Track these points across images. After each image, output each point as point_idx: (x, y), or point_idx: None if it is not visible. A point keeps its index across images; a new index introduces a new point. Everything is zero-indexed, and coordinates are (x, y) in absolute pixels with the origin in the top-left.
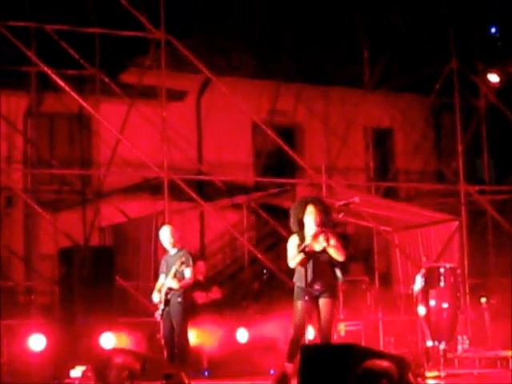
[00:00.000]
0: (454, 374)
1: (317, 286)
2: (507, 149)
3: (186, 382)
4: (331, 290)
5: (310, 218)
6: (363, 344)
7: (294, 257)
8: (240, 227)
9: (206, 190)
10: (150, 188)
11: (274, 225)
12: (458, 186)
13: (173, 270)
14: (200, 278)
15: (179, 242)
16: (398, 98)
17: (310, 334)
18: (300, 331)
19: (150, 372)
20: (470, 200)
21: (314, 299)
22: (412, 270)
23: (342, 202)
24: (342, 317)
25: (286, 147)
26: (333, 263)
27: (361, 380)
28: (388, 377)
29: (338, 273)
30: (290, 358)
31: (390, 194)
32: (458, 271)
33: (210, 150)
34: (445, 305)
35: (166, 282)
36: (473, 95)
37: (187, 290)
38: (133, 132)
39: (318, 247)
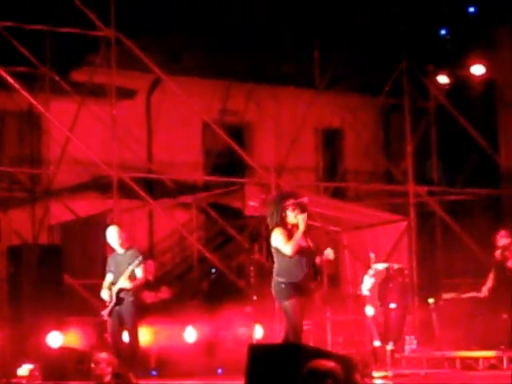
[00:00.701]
0: (401, 375)
1: (305, 283)
2: (456, 150)
3: (134, 381)
4: (311, 288)
5: (291, 212)
6: (311, 344)
7: (290, 241)
8: (189, 226)
9: (156, 189)
10: (100, 186)
11: (223, 224)
12: (407, 187)
13: (129, 269)
14: (149, 277)
15: (127, 241)
16: (348, 98)
17: (258, 333)
18: (301, 332)
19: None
20: (419, 201)
21: (302, 296)
22: (360, 271)
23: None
24: None
25: (235, 146)
26: (314, 263)
27: (306, 380)
28: (333, 377)
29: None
30: None
31: (339, 194)
32: (406, 272)
33: (160, 149)
34: (393, 305)
35: (120, 282)
36: (422, 96)
37: (138, 290)
38: (83, 130)
39: (303, 242)
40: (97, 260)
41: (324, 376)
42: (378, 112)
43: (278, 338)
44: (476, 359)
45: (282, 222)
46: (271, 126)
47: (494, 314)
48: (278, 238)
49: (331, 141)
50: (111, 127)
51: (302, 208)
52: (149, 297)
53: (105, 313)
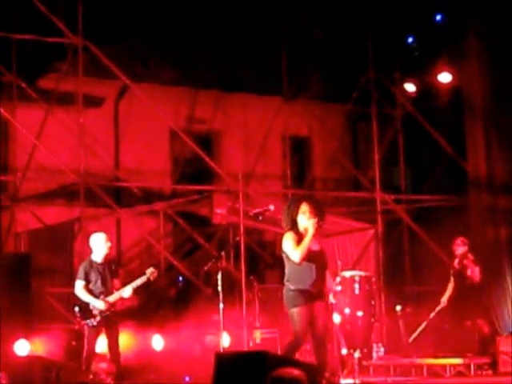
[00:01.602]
0: (368, 382)
1: (316, 289)
2: (423, 157)
3: None
4: (323, 293)
5: (304, 217)
6: (279, 352)
7: (298, 245)
8: (157, 234)
9: (123, 197)
10: (67, 194)
11: (191, 232)
12: (374, 195)
13: (138, 281)
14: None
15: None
16: (315, 106)
17: (225, 340)
18: (304, 340)
19: (64, 379)
20: (387, 209)
21: (312, 303)
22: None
23: (256, 210)
24: (258, 324)
25: (203, 154)
26: (325, 267)
27: None
28: None
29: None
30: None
31: None
32: (373, 279)
33: (128, 157)
34: (359, 313)
35: (126, 292)
36: (390, 104)
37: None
38: (50, 138)
39: (315, 247)
40: (64, 268)
41: None
42: (345, 120)
43: (245, 345)
44: (443, 366)
45: (295, 227)
46: (239, 133)
47: (459, 322)
48: (287, 243)
49: (299, 148)
50: (78, 135)
51: (318, 212)
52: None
53: (94, 321)
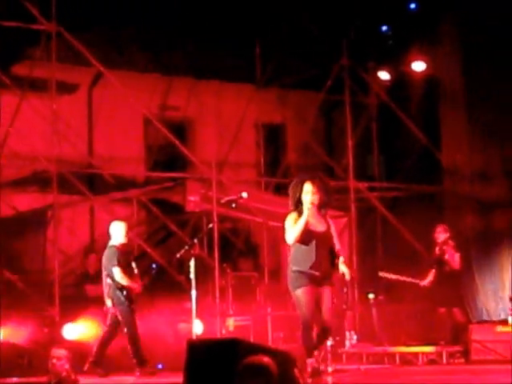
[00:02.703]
0: (341, 370)
1: (318, 272)
2: (397, 146)
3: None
4: (330, 277)
5: (307, 197)
6: (252, 339)
7: (294, 226)
8: (130, 221)
9: (96, 184)
10: (40, 181)
11: (164, 219)
12: (348, 183)
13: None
14: (91, 271)
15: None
16: (289, 94)
17: (198, 328)
18: (311, 322)
19: (35, 366)
20: (360, 197)
21: (316, 285)
22: None
23: (229, 197)
24: (231, 312)
25: (176, 142)
26: (332, 249)
27: (241, 376)
28: (267, 373)
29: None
30: (309, 353)
31: (280, 189)
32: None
33: (101, 144)
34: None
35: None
36: (363, 92)
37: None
38: (23, 124)
39: (320, 228)
40: (36, 255)
41: (258, 371)
42: (319, 108)
43: (218, 333)
44: (416, 354)
45: (300, 207)
46: (212, 121)
47: (434, 309)
48: (286, 224)
49: (273, 136)
50: (52, 122)
51: (323, 192)
52: (91, 290)
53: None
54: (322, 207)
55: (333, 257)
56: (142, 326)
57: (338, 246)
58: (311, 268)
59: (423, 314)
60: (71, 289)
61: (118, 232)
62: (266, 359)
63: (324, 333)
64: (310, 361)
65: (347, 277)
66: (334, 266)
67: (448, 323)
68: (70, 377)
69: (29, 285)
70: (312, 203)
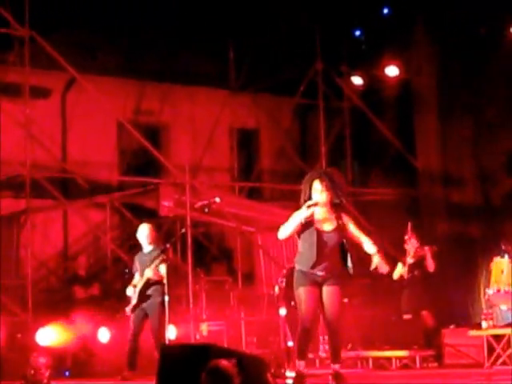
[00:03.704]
0: (314, 374)
1: (320, 271)
2: (370, 151)
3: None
4: (337, 276)
5: (317, 195)
6: (225, 344)
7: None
8: (103, 227)
9: (70, 189)
10: (13, 186)
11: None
12: None
13: (155, 262)
14: (81, 272)
15: (155, 240)
16: (263, 98)
17: (171, 333)
18: (308, 323)
19: (8, 372)
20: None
21: (318, 286)
22: (275, 271)
23: (202, 202)
24: (204, 317)
25: (150, 147)
26: (344, 248)
27: (211, 380)
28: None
29: (349, 261)
30: (301, 355)
31: (254, 194)
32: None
33: (75, 149)
34: None
35: (146, 273)
36: (337, 97)
37: (164, 290)
38: None
39: (327, 227)
40: (10, 260)
41: (229, 376)
42: (293, 112)
43: (192, 338)
44: (389, 359)
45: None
46: (186, 126)
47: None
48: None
49: (246, 141)
50: (25, 126)
51: (333, 190)
52: (79, 292)
53: (128, 309)
54: (334, 205)
55: (344, 255)
56: (115, 331)
57: (363, 240)
58: (312, 267)
59: (396, 318)
60: (55, 292)
61: (141, 235)
62: (225, 363)
63: (329, 334)
64: (299, 363)
65: (382, 270)
66: (348, 264)
67: (420, 327)
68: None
69: (2, 289)
70: (315, 204)
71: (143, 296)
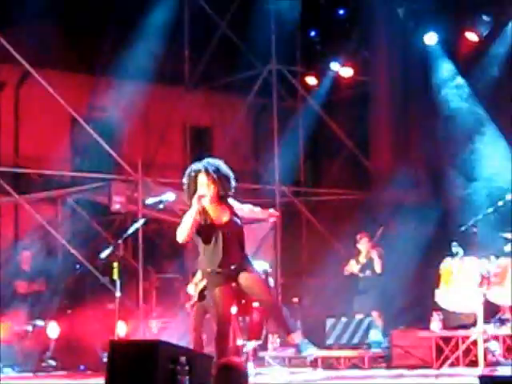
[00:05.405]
0: (263, 373)
1: (232, 265)
2: (323, 151)
3: None
4: (246, 261)
5: (203, 189)
6: (175, 341)
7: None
8: (55, 222)
9: (22, 184)
10: None
11: (89, 220)
12: (273, 186)
13: None
14: (25, 267)
15: None
16: (218, 97)
17: (121, 330)
18: (226, 324)
19: None
20: (286, 201)
21: (233, 279)
22: None
23: (154, 199)
24: (154, 314)
25: (103, 142)
26: (240, 235)
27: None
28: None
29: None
30: (220, 356)
31: None
32: (270, 270)
33: (28, 143)
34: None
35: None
36: (291, 97)
37: None
38: None
39: (224, 218)
40: None
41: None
42: (247, 111)
43: (142, 335)
44: (338, 358)
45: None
46: (140, 122)
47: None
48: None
49: (200, 139)
50: None
51: (220, 182)
52: (22, 287)
53: (188, 305)
54: (222, 197)
55: (242, 241)
56: (64, 327)
57: (250, 209)
58: (221, 265)
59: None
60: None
61: None
62: (236, 360)
63: (271, 311)
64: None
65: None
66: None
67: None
68: None
69: None
70: (202, 196)
71: (201, 295)
